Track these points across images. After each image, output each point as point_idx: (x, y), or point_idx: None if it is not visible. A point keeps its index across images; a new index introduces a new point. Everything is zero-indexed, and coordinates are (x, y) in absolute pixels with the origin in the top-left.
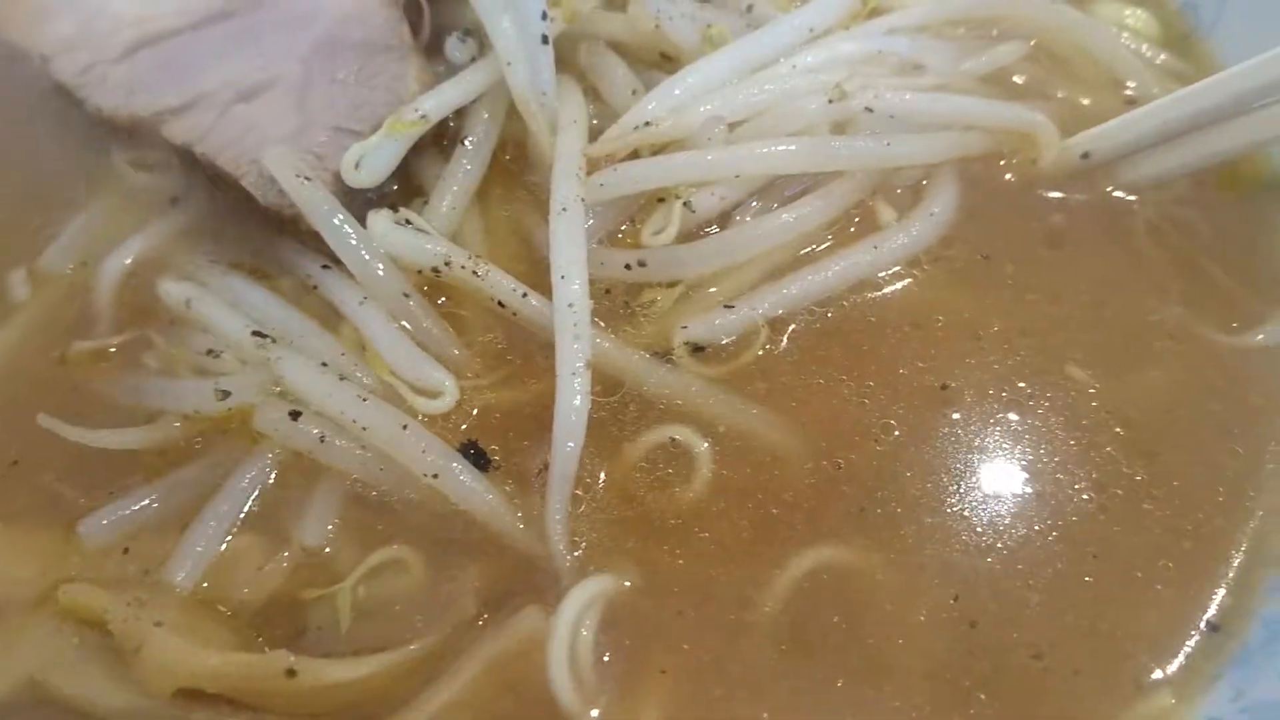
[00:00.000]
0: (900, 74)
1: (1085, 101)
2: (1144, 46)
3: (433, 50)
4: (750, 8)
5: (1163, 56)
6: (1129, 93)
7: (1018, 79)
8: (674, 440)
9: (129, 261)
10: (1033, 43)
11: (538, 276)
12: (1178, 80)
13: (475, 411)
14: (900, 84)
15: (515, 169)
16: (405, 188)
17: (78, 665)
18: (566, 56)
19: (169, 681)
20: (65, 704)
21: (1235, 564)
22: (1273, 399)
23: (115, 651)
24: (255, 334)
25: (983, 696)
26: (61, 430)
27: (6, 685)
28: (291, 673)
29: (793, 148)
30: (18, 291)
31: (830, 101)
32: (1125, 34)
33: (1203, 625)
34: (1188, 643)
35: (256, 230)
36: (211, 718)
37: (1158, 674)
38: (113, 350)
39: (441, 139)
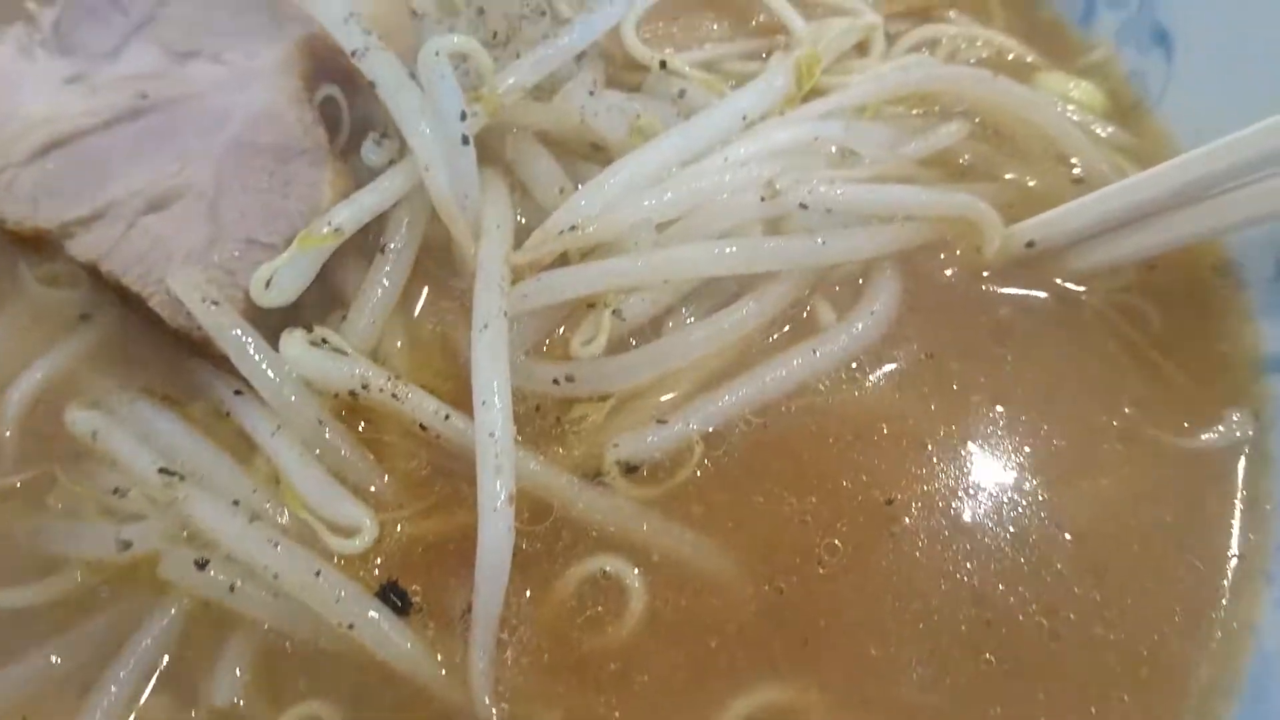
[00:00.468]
0: (837, 163)
1: (1031, 183)
2: (1090, 119)
3: (355, 144)
4: (682, 93)
5: (1109, 129)
6: (1076, 171)
7: (962, 159)
8: (605, 572)
9: (36, 387)
10: (977, 119)
11: (462, 389)
12: (1125, 155)
13: (396, 547)
14: (836, 176)
15: (440, 273)
16: (325, 296)
17: None
18: (492, 146)
19: None
20: None
21: (1195, 693)
22: (1227, 505)
23: None
24: (162, 471)
25: None
26: None
27: None
28: None
29: (724, 250)
30: None
31: (763, 199)
32: (1070, 106)
33: None
34: None
35: (168, 349)
36: None
37: None
38: (17, 487)
39: (363, 243)
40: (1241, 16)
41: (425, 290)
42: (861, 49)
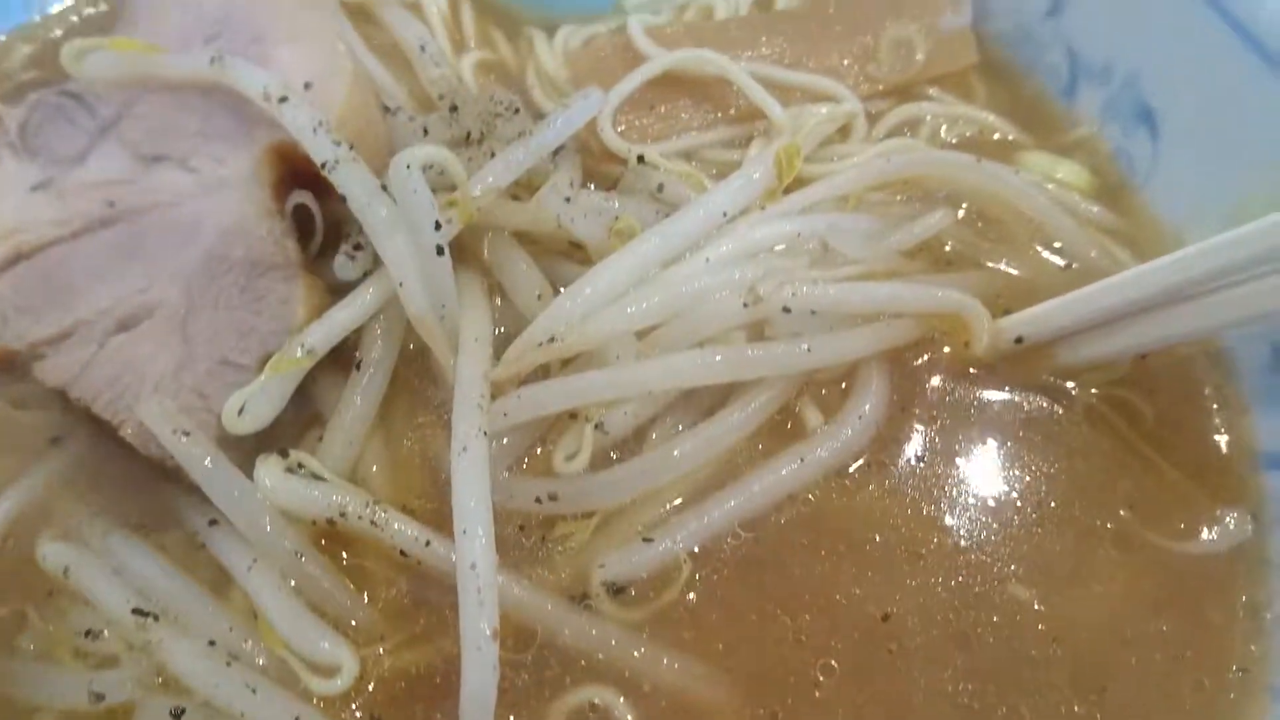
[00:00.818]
0: (820, 257)
1: (1018, 270)
2: (1076, 200)
3: (330, 245)
4: (661, 187)
5: (1096, 210)
6: (1062, 257)
7: (947, 246)
8: (594, 704)
9: (6, 519)
10: (962, 205)
11: (444, 505)
12: (1113, 237)
13: (379, 682)
14: (819, 277)
15: (418, 384)
16: (301, 411)
17: None
18: (469, 247)
19: None
20: None
21: None
22: (1229, 614)
23: None
24: (136, 612)
25: None
26: None
27: None
28: None
29: (709, 360)
30: None
31: (746, 305)
32: (1054, 186)
33: None
34: None
35: (142, 474)
36: None
37: None
38: None
39: (338, 352)
40: (1227, 96)
41: (404, 403)
42: (843, 132)
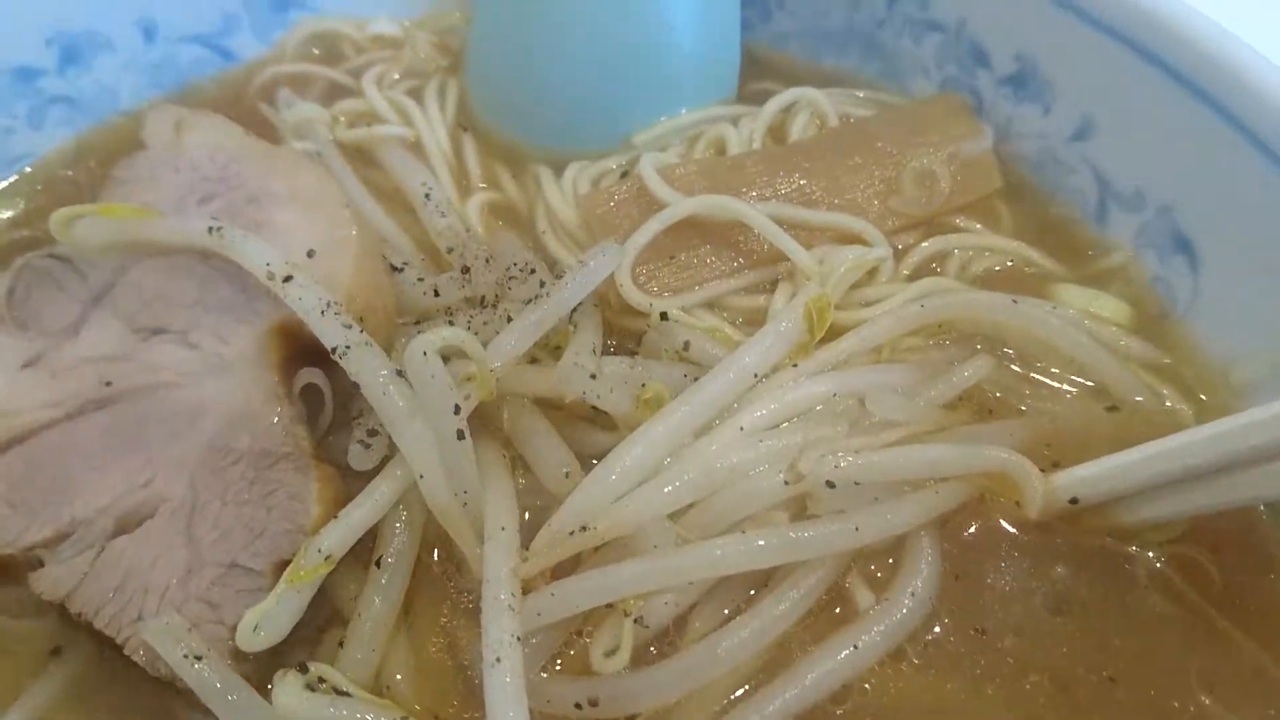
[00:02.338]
0: (858, 421)
1: (1061, 413)
2: (1117, 335)
3: (339, 421)
4: (687, 344)
5: (1136, 345)
6: (1106, 399)
7: (988, 393)
8: None
9: None
10: (1008, 350)
11: (477, 708)
12: (1157, 374)
13: None
14: (860, 444)
15: (440, 572)
16: (317, 612)
17: None
18: (487, 415)
19: None
20: None
21: None
22: None
23: None
24: None
25: None
26: None
27: None
28: None
29: (753, 545)
30: None
31: (787, 483)
32: (1092, 322)
33: None
34: None
35: (150, 688)
36: None
37: None
38: None
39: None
40: (1268, 225)
41: (428, 596)
42: (871, 272)
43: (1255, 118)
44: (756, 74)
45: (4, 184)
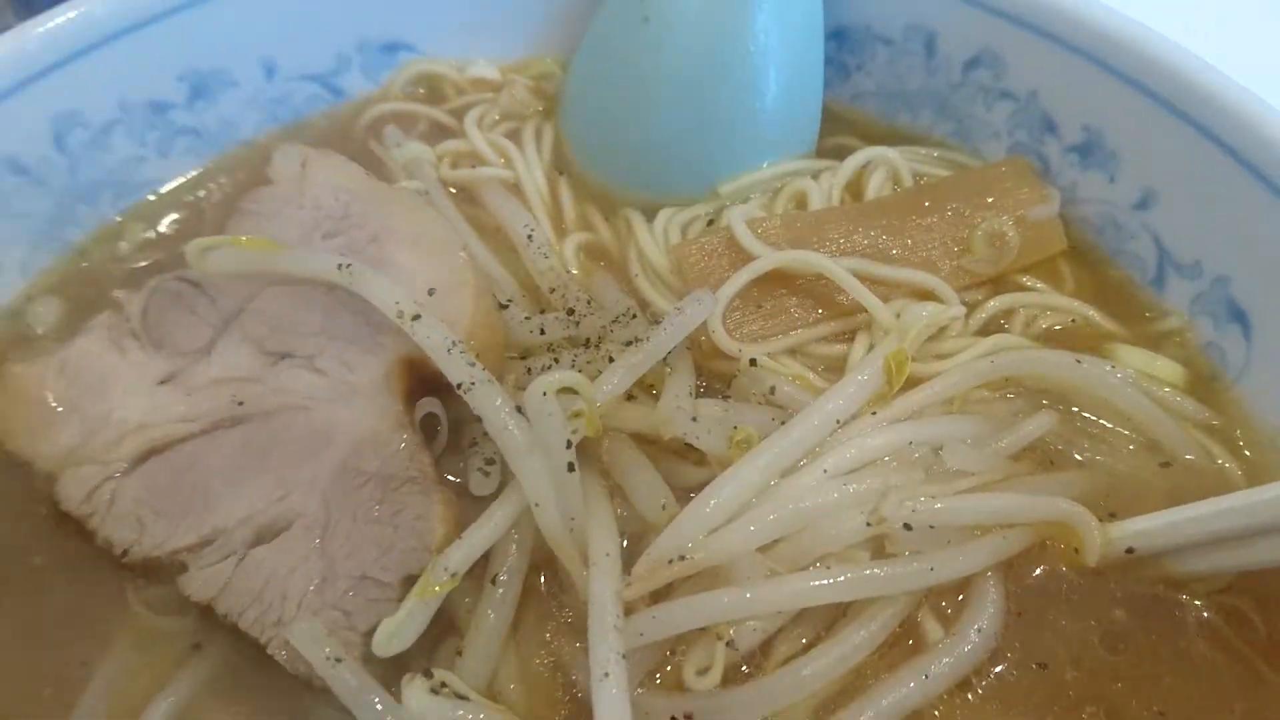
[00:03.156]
0: (933, 474)
1: (1118, 467)
2: (1171, 396)
3: (452, 444)
4: (773, 389)
5: (1190, 406)
6: (1161, 456)
7: (1050, 446)
8: None
9: None
10: (1074, 407)
11: (580, 716)
12: (1208, 434)
13: None
14: (936, 491)
15: (546, 591)
16: (437, 621)
17: None
18: (588, 449)
19: None
20: None
21: None
22: None
23: None
24: None
25: None
26: None
27: None
28: None
29: (836, 580)
30: None
31: (868, 524)
32: (1148, 381)
33: None
34: None
35: (285, 683)
36: None
37: None
38: None
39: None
40: None
41: (534, 612)
42: (942, 327)
43: None
44: (834, 129)
45: (132, 207)
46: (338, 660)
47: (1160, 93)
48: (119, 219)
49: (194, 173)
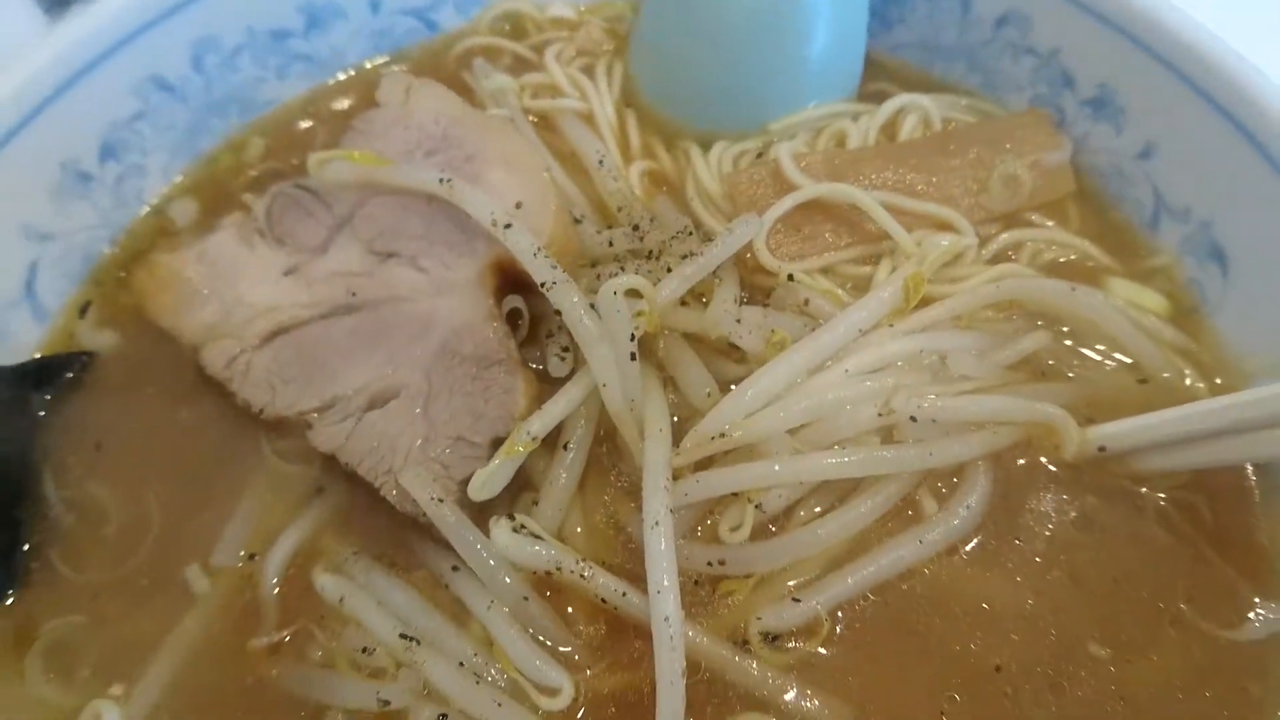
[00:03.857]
0: (938, 373)
1: (1100, 384)
2: (1154, 323)
3: (531, 336)
4: (807, 301)
5: (1170, 332)
6: (1139, 374)
7: (1043, 361)
8: None
9: (288, 554)
10: (1065, 329)
11: (632, 564)
12: (1184, 358)
13: (587, 702)
14: (940, 391)
15: (608, 462)
16: (516, 477)
17: None
18: (648, 345)
19: None
20: None
21: None
22: (1270, 689)
23: None
24: (402, 636)
25: None
26: None
27: None
28: None
29: (850, 458)
30: (197, 585)
31: (880, 414)
32: (1134, 310)
33: None
34: None
35: (391, 521)
36: None
37: None
38: (285, 643)
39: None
40: None
41: (596, 475)
42: (957, 255)
43: None
44: (874, 76)
45: (254, 121)
46: (440, 501)
47: (1166, 56)
48: (244, 132)
49: (306, 94)
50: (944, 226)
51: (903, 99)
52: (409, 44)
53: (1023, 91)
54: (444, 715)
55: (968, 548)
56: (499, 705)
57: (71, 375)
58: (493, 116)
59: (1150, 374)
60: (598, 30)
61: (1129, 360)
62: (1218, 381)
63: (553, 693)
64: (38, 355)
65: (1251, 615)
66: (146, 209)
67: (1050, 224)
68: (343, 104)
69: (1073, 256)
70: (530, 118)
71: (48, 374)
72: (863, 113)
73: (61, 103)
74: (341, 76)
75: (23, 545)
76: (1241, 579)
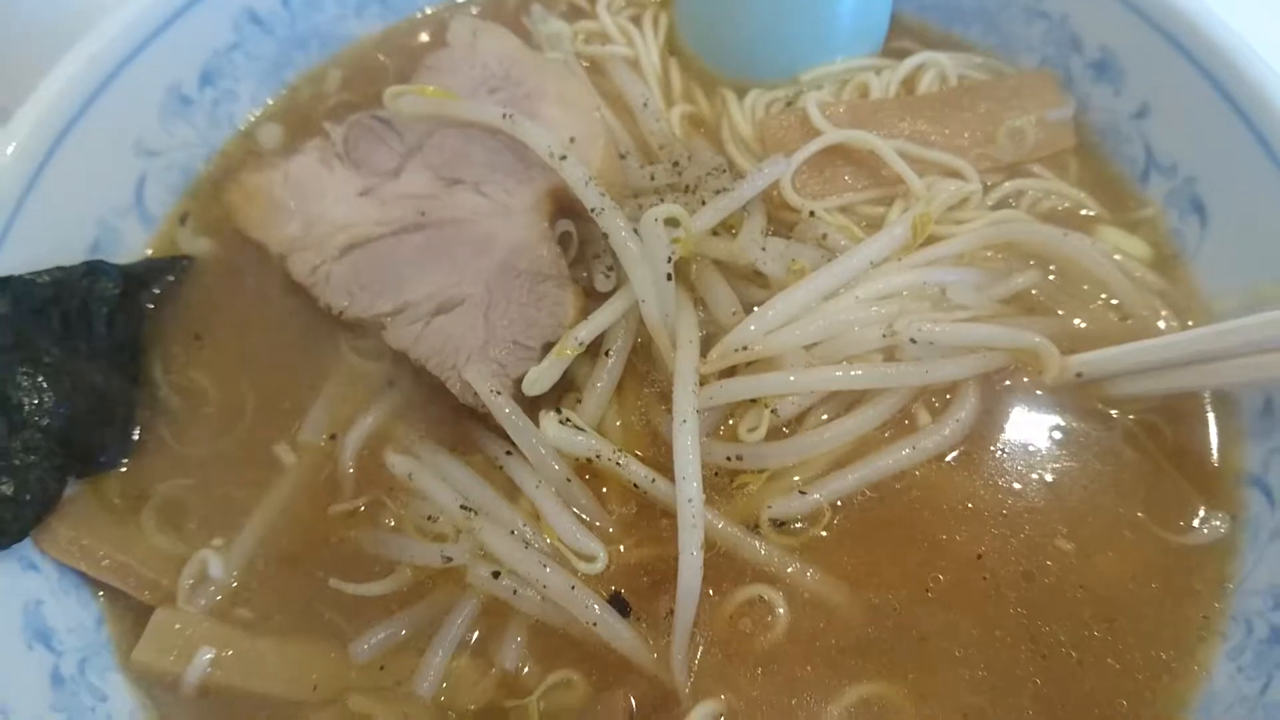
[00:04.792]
0: (938, 300)
1: (1084, 319)
2: (1136, 268)
3: (579, 257)
4: (825, 235)
5: (1151, 277)
6: (1120, 313)
7: (1034, 297)
8: (761, 597)
9: (364, 436)
10: (1050, 267)
11: (661, 456)
12: (1162, 300)
13: (618, 570)
14: (938, 317)
15: (642, 369)
16: (562, 381)
17: None
18: (681, 269)
19: None
20: None
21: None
22: (1209, 583)
23: None
24: (462, 507)
25: None
26: (344, 588)
27: None
28: None
29: (855, 372)
30: (285, 459)
31: (884, 336)
32: (1120, 256)
33: None
34: None
35: (452, 412)
36: None
37: None
38: (360, 511)
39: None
40: (1260, 207)
41: (632, 380)
42: (964, 200)
43: (1263, 121)
44: (898, 34)
45: (333, 56)
46: (498, 393)
47: (1162, 24)
48: (323, 65)
49: (380, 32)
50: (952, 173)
51: (922, 56)
52: None
53: (1034, 52)
54: (497, 572)
55: (955, 455)
56: (544, 567)
57: (173, 277)
58: (549, 59)
59: (1130, 312)
60: None
61: (1114, 301)
62: (1189, 322)
63: (589, 559)
64: (146, 256)
65: (1198, 523)
66: (237, 132)
67: (1050, 175)
68: (413, 43)
69: (1068, 205)
70: (582, 62)
71: (154, 274)
72: (885, 67)
73: (170, 32)
74: (413, 16)
75: (136, 420)
76: (1193, 492)
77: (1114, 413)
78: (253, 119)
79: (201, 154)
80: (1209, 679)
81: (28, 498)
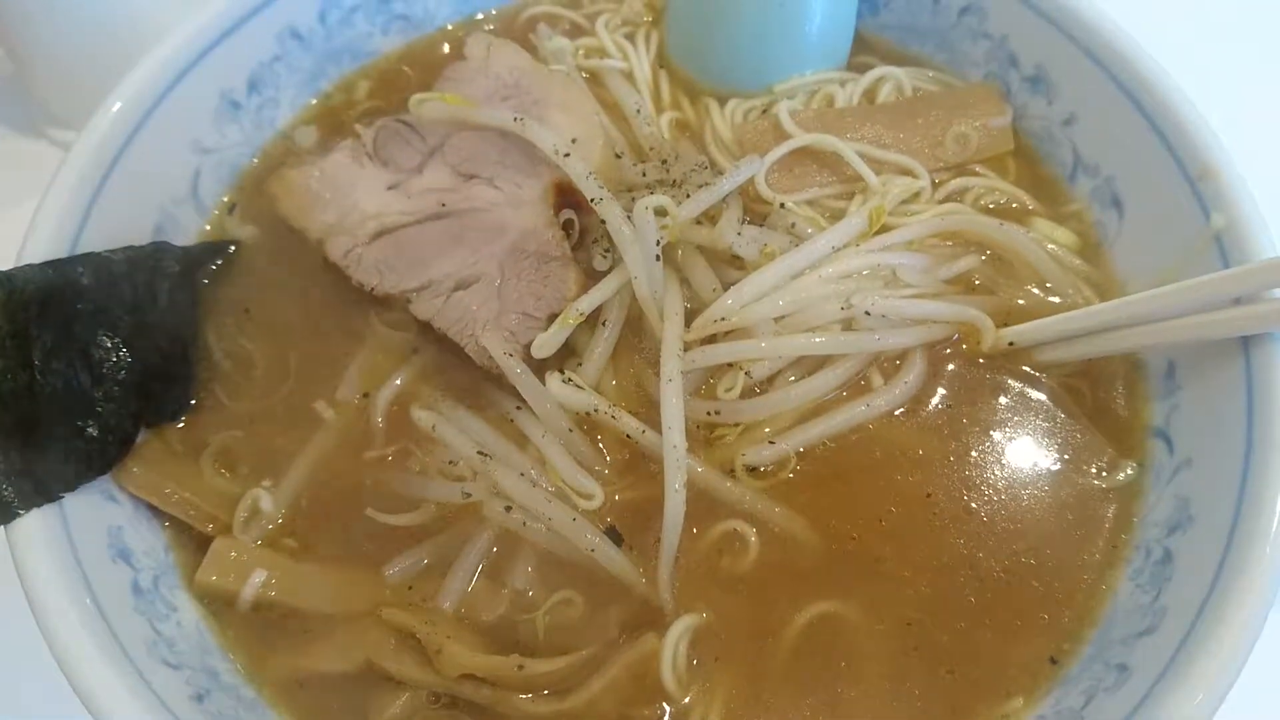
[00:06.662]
0: (890, 280)
1: (1019, 300)
2: (1065, 255)
3: (580, 244)
4: (793, 225)
5: (1077, 262)
6: (1050, 293)
7: (974, 279)
8: (735, 530)
9: (393, 394)
10: (988, 252)
11: (650, 413)
12: (1086, 282)
13: (613, 506)
14: (889, 294)
15: (634, 340)
16: (564, 349)
17: (398, 655)
18: (668, 253)
19: (456, 670)
20: (390, 677)
21: (1077, 618)
22: (1119, 519)
23: (420, 650)
24: (479, 453)
25: (917, 690)
26: (378, 517)
27: (353, 664)
28: (520, 666)
29: (818, 340)
30: (325, 414)
31: (842, 309)
32: (1051, 244)
33: (1048, 659)
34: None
35: (470, 375)
36: (476, 689)
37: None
38: (390, 458)
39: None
40: (1164, 199)
41: (625, 348)
42: (914, 195)
43: (1170, 130)
44: (861, 50)
45: (361, 68)
46: (510, 356)
47: (1088, 46)
48: (353, 76)
49: (404, 47)
50: (906, 172)
51: (882, 70)
52: (484, 9)
53: (979, 68)
54: (509, 507)
55: (904, 411)
56: (549, 502)
57: (223, 260)
58: (554, 71)
59: (1058, 292)
60: (639, 4)
61: (1044, 285)
62: (1108, 296)
63: (588, 497)
64: (201, 240)
65: (1110, 469)
66: (278, 133)
67: (991, 174)
68: (434, 56)
69: (1007, 200)
70: (582, 73)
71: (207, 255)
72: (849, 80)
73: (222, 46)
74: (433, 33)
75: (195, 380)
76: (1108, 442)
77: (1042, 376)
78: (291, 122)
79: (247, 152)
80: (1114, 595)
81: (110, 439)
